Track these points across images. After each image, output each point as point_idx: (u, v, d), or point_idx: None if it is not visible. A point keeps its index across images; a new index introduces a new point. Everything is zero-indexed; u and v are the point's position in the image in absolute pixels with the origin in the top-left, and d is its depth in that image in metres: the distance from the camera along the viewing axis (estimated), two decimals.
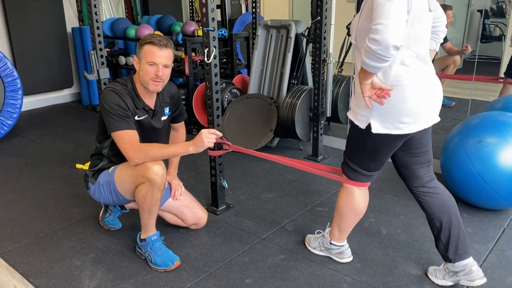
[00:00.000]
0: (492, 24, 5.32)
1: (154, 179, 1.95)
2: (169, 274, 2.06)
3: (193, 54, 4.24)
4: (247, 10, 6.04)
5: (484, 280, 1.88)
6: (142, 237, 2.13)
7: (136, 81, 2.10)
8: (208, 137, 2.01)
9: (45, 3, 4.85)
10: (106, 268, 2.11)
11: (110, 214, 2.43)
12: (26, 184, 3.08)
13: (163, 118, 2.25)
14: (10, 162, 3.50)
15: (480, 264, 2.10)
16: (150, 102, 2.16)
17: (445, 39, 4.14)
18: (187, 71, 4.02)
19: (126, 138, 1.99)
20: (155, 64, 2.00)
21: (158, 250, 2.10)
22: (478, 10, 4.94)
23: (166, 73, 2.05)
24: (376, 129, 1.69)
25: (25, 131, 4.29)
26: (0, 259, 2.19)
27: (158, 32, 4.23)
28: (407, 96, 1.64)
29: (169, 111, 2.28)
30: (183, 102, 4.05)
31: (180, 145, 2.13)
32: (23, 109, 4.51)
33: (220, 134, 2.10)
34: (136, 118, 2.09)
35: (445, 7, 4.04)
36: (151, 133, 2.19)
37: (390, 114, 1.67)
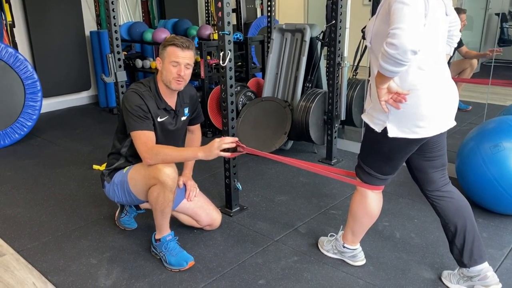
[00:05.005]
0: (511, 27, 5.24)
1: (165, 181, 1.99)
2: (183, 274, 2.08)
3: (208, 57, 4.28)
4: (262, 14, 6.07)
5: (500, 285, 1.87)
6: (157, 237, 2.17)
7: (158, 81, 2.16)
8: (218, 147, 1.96)
9: (65, 7, 4.96)
10: (121, 267, 2.15)
11: (126, 214, 2.47)
12: (44, 184, 3.15)
13: (183, 118, 2.29)
14: (29, 163, 3.58)
15: (495, 269, 2.07)
16: (171, 102, 2.21)
17: (461, 43, 4.09)
18: (202, 74, 4.06)
19: (143, 138, 2.05)
20: (178, 64, 2.07)
21: (172, 250, 2.13)
22: (496, 14, 4.87)
23: (188, 73, 2.12)
24: (393, 133, 1.69)
25: (44, 132, 4.38)
26: (19, 257, 2.25)
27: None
28: (424, 100, 1.64)
29: (188, 112, 2.32)
30: None
31: (190, 150, 2.16)
32: (42, 111, 4.62)
33: (234, 139, 2.04)
34: (158, 119, 2.14)
35: (458, 11, 4.00)
36: (171, 134, 2.24)
37: (407, 118, 1.67)
